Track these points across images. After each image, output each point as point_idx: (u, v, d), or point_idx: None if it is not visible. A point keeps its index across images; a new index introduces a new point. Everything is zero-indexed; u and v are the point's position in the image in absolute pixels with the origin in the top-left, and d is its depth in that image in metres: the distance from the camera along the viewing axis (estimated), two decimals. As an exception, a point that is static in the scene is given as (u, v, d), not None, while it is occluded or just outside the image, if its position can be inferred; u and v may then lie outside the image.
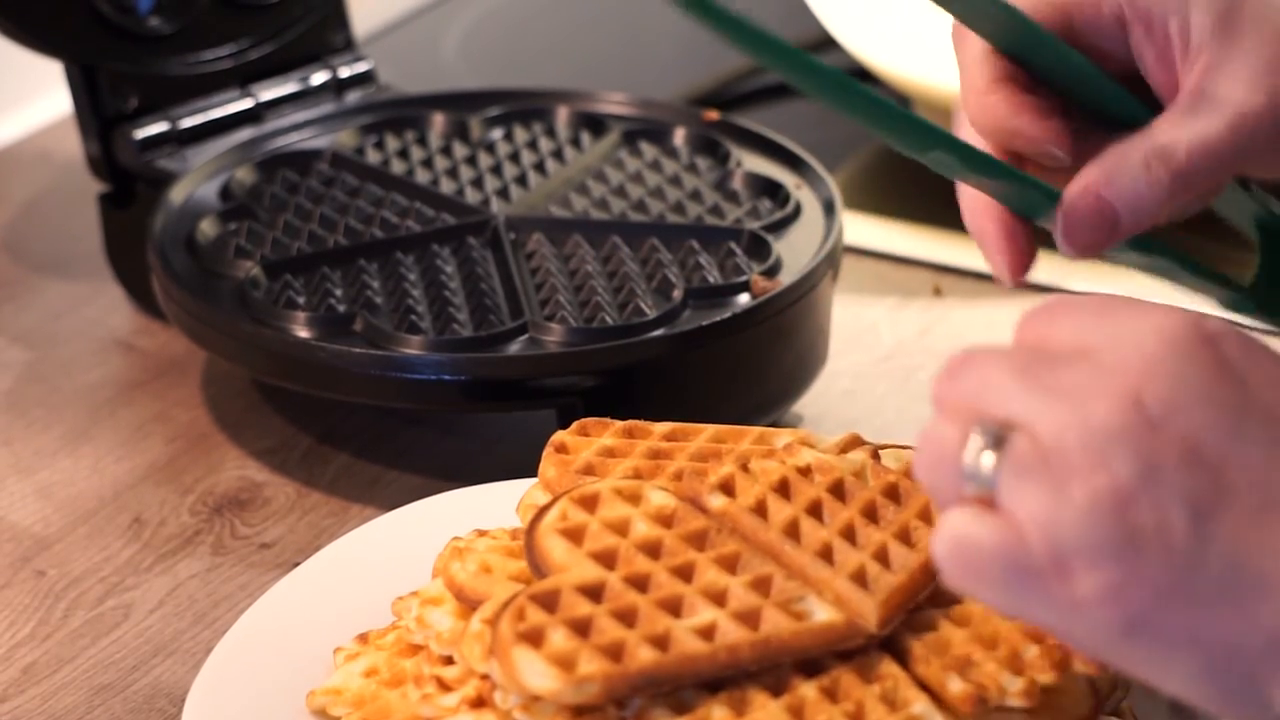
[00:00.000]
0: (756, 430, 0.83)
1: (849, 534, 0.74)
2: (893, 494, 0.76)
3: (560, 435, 0.83)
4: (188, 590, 0.93)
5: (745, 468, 0.76)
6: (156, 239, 1.03)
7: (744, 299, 0.98)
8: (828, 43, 1.28)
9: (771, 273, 0.99)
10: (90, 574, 0.94)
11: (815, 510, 0.75)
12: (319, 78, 1.16)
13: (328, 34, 1.16)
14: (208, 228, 1.05)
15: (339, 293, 0.99)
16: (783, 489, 0.75)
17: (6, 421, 1.05)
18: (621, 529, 0.74)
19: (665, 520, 0.75)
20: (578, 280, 1.00)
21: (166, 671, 0.88)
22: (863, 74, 1.25)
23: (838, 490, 0.76)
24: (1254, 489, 0.57)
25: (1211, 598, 0.57)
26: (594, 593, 0.71)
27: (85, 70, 1.10)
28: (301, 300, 0.99)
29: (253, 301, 0.99)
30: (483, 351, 0.95)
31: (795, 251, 1.01)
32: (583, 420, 0.83)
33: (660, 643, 0.70)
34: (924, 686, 0.71)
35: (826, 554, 0.73)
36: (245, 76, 1.14)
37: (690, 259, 1.01)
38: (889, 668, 0.72)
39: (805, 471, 0.76)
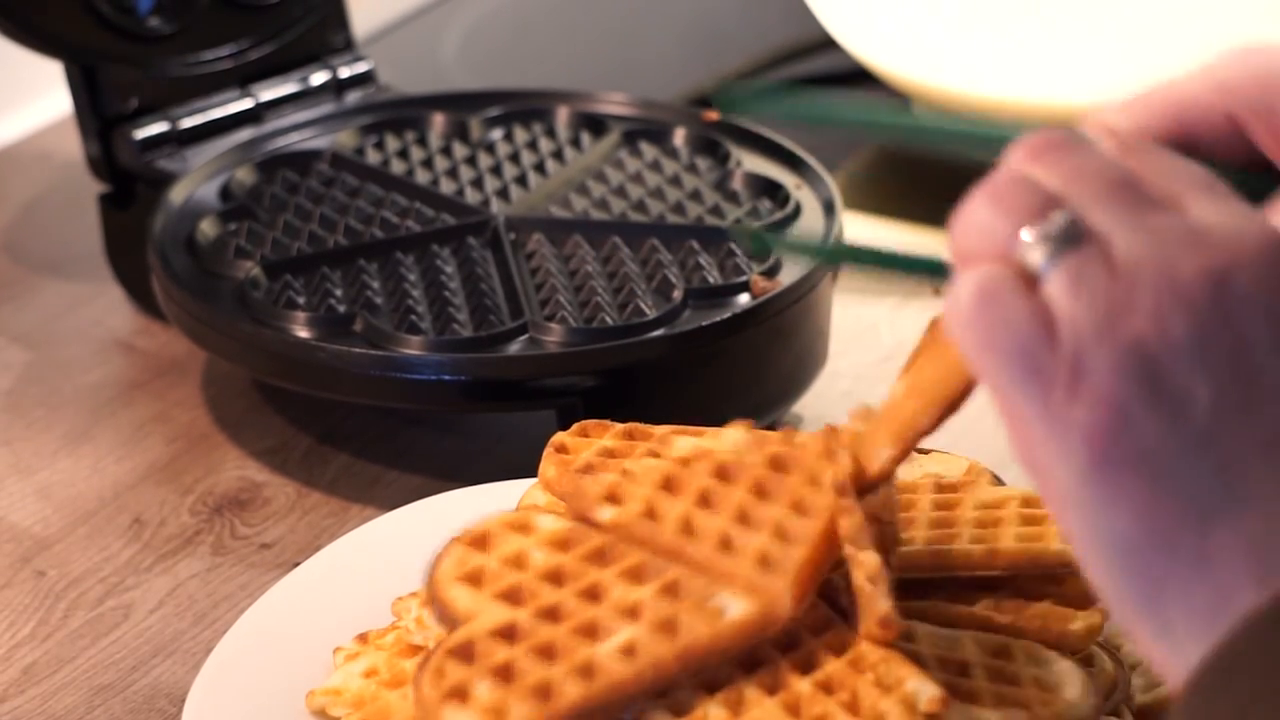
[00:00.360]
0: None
1: (743, 518, 0.72)
2: (778, 465, 0.74)
3: (560, 436, 0.82)
4: (188, 590, 0.93)
5: (626, 472, 0.75)
6: (156, 239, 1.03)
7: (744, 299, 0.98)
8: (828, 43, 1.28)
9: (771, 273, 0.99)
10: (90, 574, 0.94)
11: (704, 500, 0.73)
12: (319, 78, 1.16)
13: (328, 34, 1.16)
14: (208, 228, 1.05)
15: (339, 293, 0.99)
16: (667, 486, 0.74)
17: (6, 421, 1.05)
18: (520, 563, 0.73)
19: (561, 544, 0.73)
20: (578, 280, 1.00)
21: (166, 671, 0.88)
22: (863, 74, 1.25)
23: (722, 474, 0.74)
24: (1276, 414, 0.57)
25: (1183, 487, 0.57)
26: (508, 634, 0.70)
27: (85, 70, 1.10)
28: (301, 300, 0.99)
29: (253, 301, 0.99)
30: (483, 352, 0.95)
31: (795, 252, 1.01)
32: (583, 423, 0.83)
33: (585, 673, 0.69)
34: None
35: (726, 544, 0.72)
36: (245, 76, 1.14)
37: (690, 259, 1.01)
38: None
39: (686, 463, 0.75)
